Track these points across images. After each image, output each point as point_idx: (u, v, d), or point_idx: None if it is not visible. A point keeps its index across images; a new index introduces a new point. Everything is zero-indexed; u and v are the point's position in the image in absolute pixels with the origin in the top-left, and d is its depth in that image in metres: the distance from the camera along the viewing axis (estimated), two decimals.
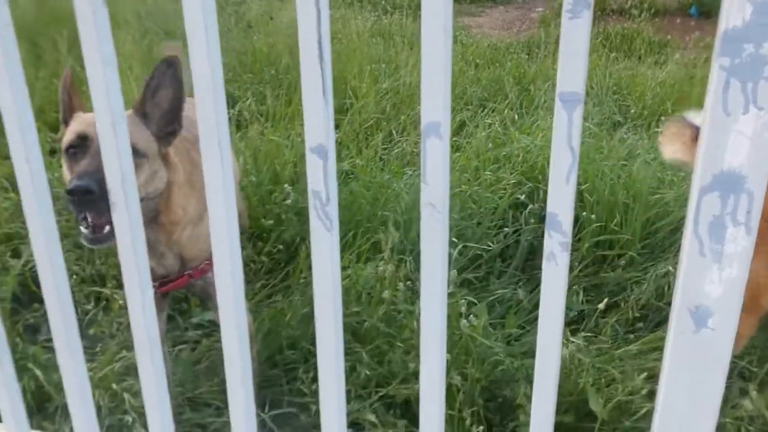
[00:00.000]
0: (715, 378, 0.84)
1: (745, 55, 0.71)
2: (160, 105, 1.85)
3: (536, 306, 2.79)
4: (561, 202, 0.85)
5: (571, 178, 0.83)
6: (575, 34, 0.77)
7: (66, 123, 1.98)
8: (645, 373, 2.31)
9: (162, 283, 2.12)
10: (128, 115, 1.82)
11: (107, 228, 1.79)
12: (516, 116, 4.79)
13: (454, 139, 4.16)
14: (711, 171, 0.75)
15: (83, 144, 1.85)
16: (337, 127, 4.33)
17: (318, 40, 0.86)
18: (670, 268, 2.96)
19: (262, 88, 5.18)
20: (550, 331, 0.94)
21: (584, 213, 3.24)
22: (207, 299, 2.30)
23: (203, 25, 0.91)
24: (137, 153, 1.78)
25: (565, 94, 0.79)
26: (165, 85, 1.83)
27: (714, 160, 0.75)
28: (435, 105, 0.87)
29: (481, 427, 2.18)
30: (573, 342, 2.43)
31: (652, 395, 2.25)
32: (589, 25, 0.76)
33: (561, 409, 2.23)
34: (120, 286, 2.91)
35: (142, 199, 1.83)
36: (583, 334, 2.58)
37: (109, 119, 1.01)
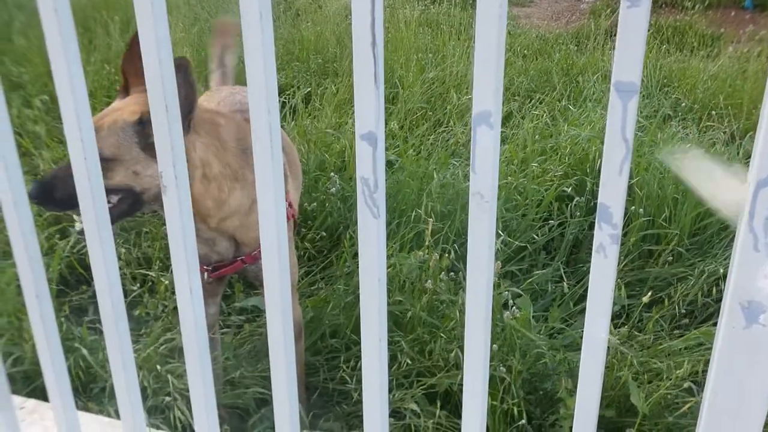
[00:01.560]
0: (764, 373, 0.83)
1: None
2: None
3: (579, 300, 2.79)
4: (613, 193, 0.84)
5: (624, 169, 0.82)
6: (633, 24, 0.76)
7: None
8: (689, 369, 2.28)
9: (215, 267, 2.12)
10: (122, 122, 1.84)
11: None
12: (564, 107, 4.74)
13: (500, 129, 4.15)
14: None
15: None
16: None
17: (371, 24, 0.86)
18: (719, 268, 2.91)
19: (309, 77, 5.20)
20: (597, 323, 0.93)
21: (633, 207, 3.19)
22: (260, 285, 2.31)
23: (258, 12, 0.91)
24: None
25: (620, 84, 0.78)
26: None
27: None
28: (486, 93, 0.87)
29: (523, 420, 2.18)
30: (616, 335, 2.41)
31: (695, 391, 2.23)
32: (648, 15, 0.75)
33: (602, 403, 2.21)
34: (165, 268, 2.96)
35: (142, 192, 1.87)
36: (626, 329, 2.55)
37: (162, 102, 1.03)
